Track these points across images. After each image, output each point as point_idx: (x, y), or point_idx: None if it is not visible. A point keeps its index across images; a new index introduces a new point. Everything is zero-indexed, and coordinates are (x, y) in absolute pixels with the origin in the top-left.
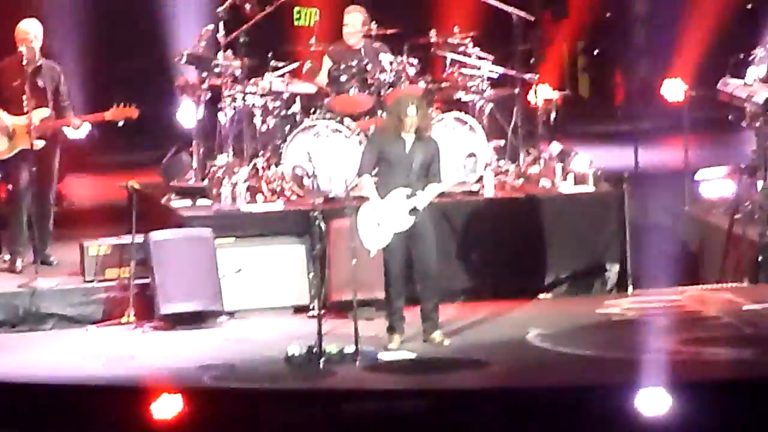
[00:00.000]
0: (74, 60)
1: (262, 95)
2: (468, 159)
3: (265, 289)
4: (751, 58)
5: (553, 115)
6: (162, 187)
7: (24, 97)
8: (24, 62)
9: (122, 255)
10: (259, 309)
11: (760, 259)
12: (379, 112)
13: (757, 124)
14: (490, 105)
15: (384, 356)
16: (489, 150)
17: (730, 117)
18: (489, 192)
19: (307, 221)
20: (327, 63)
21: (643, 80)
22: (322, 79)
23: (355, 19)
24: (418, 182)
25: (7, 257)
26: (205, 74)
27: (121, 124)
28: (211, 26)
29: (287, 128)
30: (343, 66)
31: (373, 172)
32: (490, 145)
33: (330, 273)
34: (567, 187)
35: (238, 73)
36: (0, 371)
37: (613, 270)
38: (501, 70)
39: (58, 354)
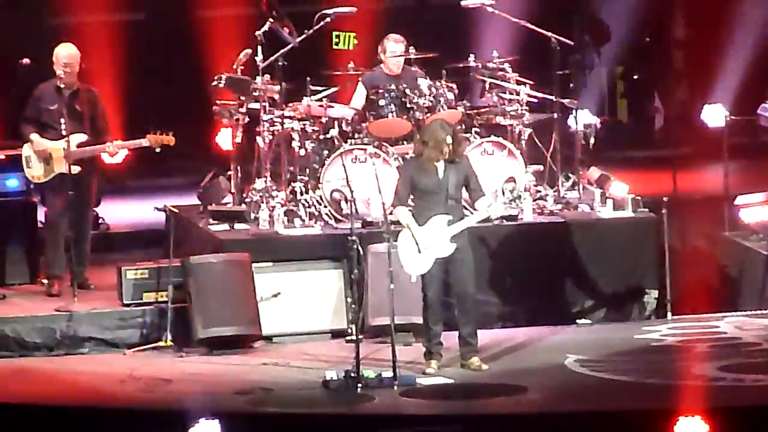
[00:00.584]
0: (113, 85)
1: (300, 119)
2: (507, 184)
3: (303, 314)
4: None
5: (591, 140)
6: (200, 211)
7: (62, 121)
8: (62, 86)
9: (160, 279)
10: (296, 333)
11: None
12: (418, 136)
13: None
14: (529, 130)
15: (422, 381)
16: (528, 175)
17: None
18: (528, 217)
19: (345, 246)
20: (361, 87)
21: (683, 105)
22: (357, 103)
23: (395, 47)
24: (456, 206)
25: (45, 281)
26: (243, 98)
27: (158, 150)
28: (249, 50)
29: (325, 152)
30: (381, 90)
31: (409, 200)
32: (528, 170)
33: (368, 297)
34: (606, 213)
35: (276, 97)
36: (37, 395)
37: (651, 295)
38: (540, 95)
39: (96, 378)
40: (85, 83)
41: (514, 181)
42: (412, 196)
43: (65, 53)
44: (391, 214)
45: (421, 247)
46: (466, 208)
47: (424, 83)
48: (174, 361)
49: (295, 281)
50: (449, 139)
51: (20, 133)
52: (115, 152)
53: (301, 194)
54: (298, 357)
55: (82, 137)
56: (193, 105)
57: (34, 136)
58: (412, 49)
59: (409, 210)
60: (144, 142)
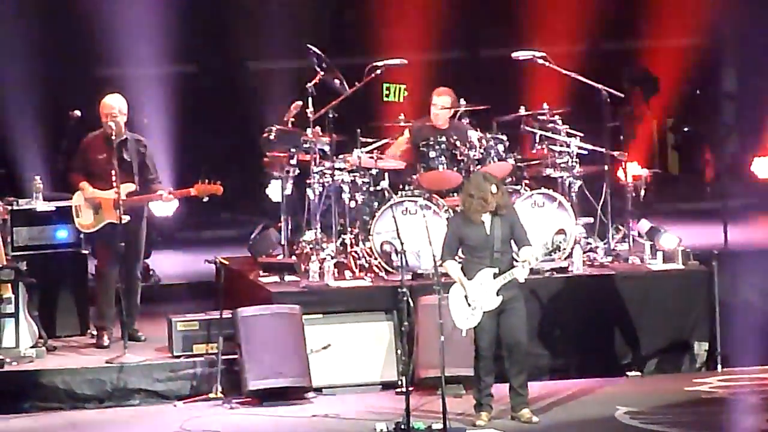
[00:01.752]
0: (164, 136)
1: (350, 171)
2: (557, 236)
3: (353, 365)
4: None
5: (642, 193)
6: (250, 263)
7: (112, 171)
8: (113, 136)
9: (210, 330)
10: (347, 385)
11: None
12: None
13: None
14: (579, 182)
15: None
16: (578, 227)
17: None
18: (578, 269)
19: (395, 297)
20: (406, 136)
21: (733, 157)
22: (395, 149)
23: (445, 102)
24: (503, 259)
25: (95, 332)
26: (293, 150)
27: (205, 200)
28: (300, 102)
29: (375, 204)
30: (431, 142)
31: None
32: (579, 222)
33: (418, 349)
34: (656, 265)
35: (326, 148)
36: None
37: (702, 348)
38: (590, 147)
39: (146, 430)
40: (134, 133)
41: (564, 233)
42: (460, 250)
43: (112, 102)
44: (441, 266)
45: (470, 301)
46: (516, 260)
47: (474, 135)
48: (224, 414)
49: (345, 333)
50: (494, 189)
51: (69, 182)
52: (168, 198)
53: (352, 246)
54: (348, 409)
55: (131, 187)
56: (244, 157)
57: (84, 185)
58: (462, 102)
59: (459, 263)
60: (192, 191)
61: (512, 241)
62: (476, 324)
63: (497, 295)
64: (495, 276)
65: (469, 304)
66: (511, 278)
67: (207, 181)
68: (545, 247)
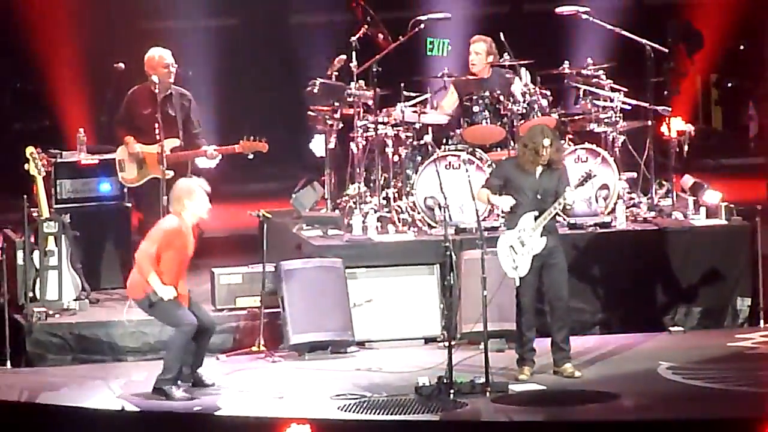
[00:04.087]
0: (206, 90)
1: (393, 125)
2: (601, 191)
3: (396, 320)
4: None
5: (686, 148)
6: (294, 217)
7: (156, 125)
8: (156, 90)
9: (253, 284)
10: (389, 339)
11: None
12: (512, 143)
13: None
14: (623, 137)
15: (515, 388)
16: (621, 182)
17: None
18: (621, 224)
19: (438, 252)
20: (452, 94)
21: None
22: (448, 107)
23: (478, 48)
24: (545, 206)
25: None
26: (337, 104)
27: (250, 157)
28: (344, 56)
29: (419, 159)
30: (475, 97)
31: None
32: (622, 177)
33: (461, 304)
34: (699, 221)
35: (370, 103)
36: (134, 400)
37: (744, 303)
38: (634, 102)
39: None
40: (178, 87)
41: (608, 188)
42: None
43: (160, 56)
44: (484, 220)
45: (516, 248)
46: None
47: (517, 89)
48: (267, 367)
49: (388, 287)
50: (547, 143)
51: (114, 136)
52: (213, 155)
53: (395, 200)
54: (390, 363)
55: (176, 142)
56: (287, 111)
57: (129, 139)
58: (506, 56)
59: (502, 213)
60: (237, 148)
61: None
62: (526, 272)
63: (541, 236)
64: (536, 218)
65: (515, 251)
66: (549, 216)
67: (252, 138)
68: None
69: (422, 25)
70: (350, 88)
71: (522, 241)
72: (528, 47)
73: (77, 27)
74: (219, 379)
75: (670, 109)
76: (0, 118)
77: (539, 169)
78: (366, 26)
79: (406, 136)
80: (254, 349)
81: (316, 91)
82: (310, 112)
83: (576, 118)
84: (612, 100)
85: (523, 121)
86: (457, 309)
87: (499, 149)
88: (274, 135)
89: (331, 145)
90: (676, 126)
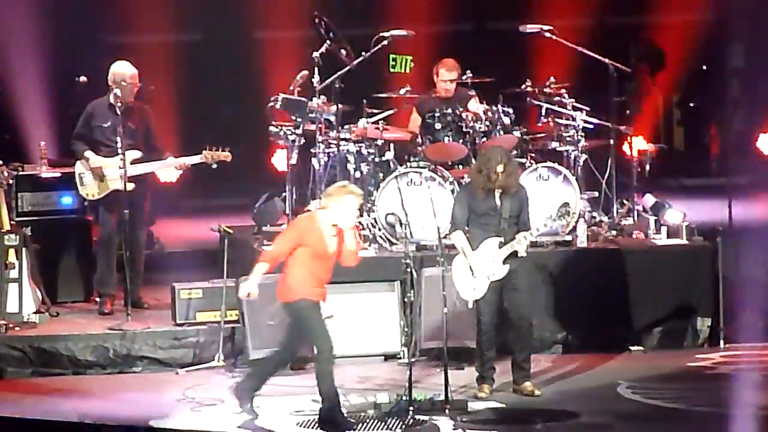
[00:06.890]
0: (169, 104)
1: (355, 141)
2: (561, 209)
3: (356, 336)
4: None
5: (647, 168)
6: (254, 232)
7: (116, 138)
8: (118, 104)
9: (213, 299)
10: (349, 356)
11: None
12: (474, 160)
13: None
14: (585, 156)
15: (474, 406)
16: (583, 201)
17: None
18: (582, 243)
19: (399, 269)
20: (415, 116)
21: (739, 133)
22: (413, 127)
23: (454, 76)
24: (509, 231)
25: (98, 299)
26: (299, 119)
27: (214, 166)
28: (306, 72)
29: (380, 175)
30: (437, 114)
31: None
32: (583, 196)
33: (421, 321)
34: (660, 240)
35: (332, 118)
36: (90, 413)
37: (704, 324)
38: (596, 121)
39: (148, 397)
40: (137, 101)
41: (569, 207)
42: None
43: (124, 71)
44: (446, 238)
45: (475, 272)
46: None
47: (474, 106)
48: (227, 382)
49: (348, 303)
50: (500, 169)
51: (73, 150)
52: (176, 165)
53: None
54: (350, 379)
55: (137, 154)
56: (249, 126)
57: (89, 153)
58: (468, 73)
59: (465, 234)
60: (200, 158)
61: (518, 217)
62: (482, 295)
63: (503, 264)
64: (500, 245)
65: (474, 275)
66: (512, 250)
67: (215, 147)
68: (552, 217)
69: (385, 42)
70: (312, 104)
71: (481, 266)
72: (491, 65)
73: (39, 40)
74: (178, 394)
75: (632, 128)
76: None
77: (498, 192)
78: (329, 42)
79: (368, 153)
80: (214, 364)
81: (278, 106)
82: (272, 128)
83: (538, 136)
84: (574, 119)
85: (485, 139)
86: (417, 326)
87: (461, 166)
88: (236, 150)
89: (293, 161)
90: (638, 145)
